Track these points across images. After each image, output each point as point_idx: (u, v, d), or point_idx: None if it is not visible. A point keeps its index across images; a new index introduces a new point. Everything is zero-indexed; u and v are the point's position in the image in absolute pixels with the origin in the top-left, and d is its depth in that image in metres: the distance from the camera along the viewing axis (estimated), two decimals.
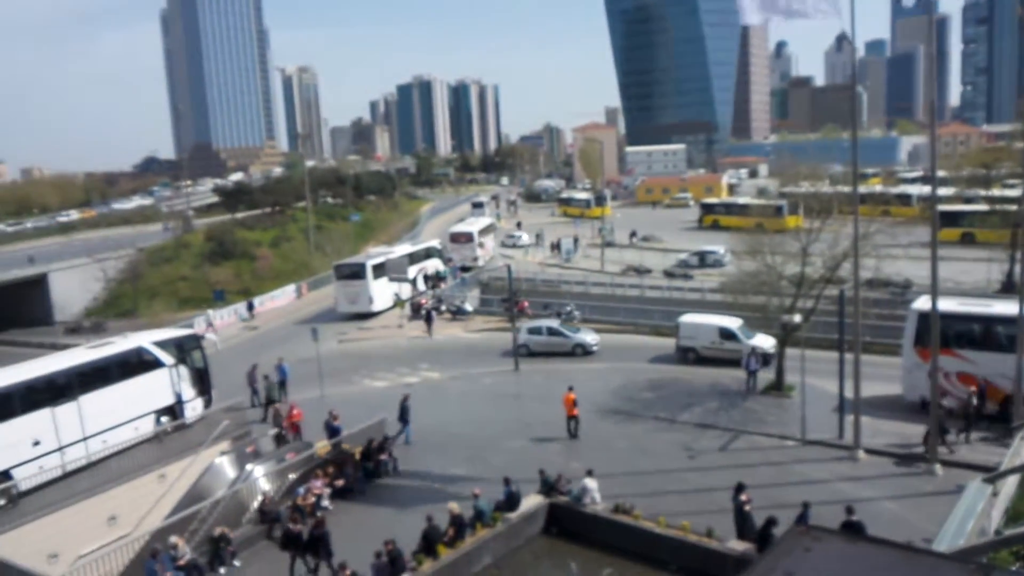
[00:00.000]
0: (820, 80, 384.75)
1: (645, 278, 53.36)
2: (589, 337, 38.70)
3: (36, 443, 24.71)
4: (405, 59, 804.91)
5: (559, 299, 46.69)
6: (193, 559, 18.98)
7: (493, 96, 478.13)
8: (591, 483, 20.81)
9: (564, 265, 65.02)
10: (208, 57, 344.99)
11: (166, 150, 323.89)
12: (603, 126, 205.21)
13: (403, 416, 27.38)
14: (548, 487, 21.32)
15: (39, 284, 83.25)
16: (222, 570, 19.52)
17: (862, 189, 31.40)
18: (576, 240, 73.17)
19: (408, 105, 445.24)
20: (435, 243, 63.05)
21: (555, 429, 27.53)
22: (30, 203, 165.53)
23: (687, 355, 34.96)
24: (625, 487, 21.93)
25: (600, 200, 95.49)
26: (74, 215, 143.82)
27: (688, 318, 35.87)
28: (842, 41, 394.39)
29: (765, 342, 33.06)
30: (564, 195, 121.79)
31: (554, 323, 39.74)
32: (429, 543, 18.69)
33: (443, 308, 49.13)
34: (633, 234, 76.07)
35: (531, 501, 21.17)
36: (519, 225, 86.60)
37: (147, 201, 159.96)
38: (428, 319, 46.05)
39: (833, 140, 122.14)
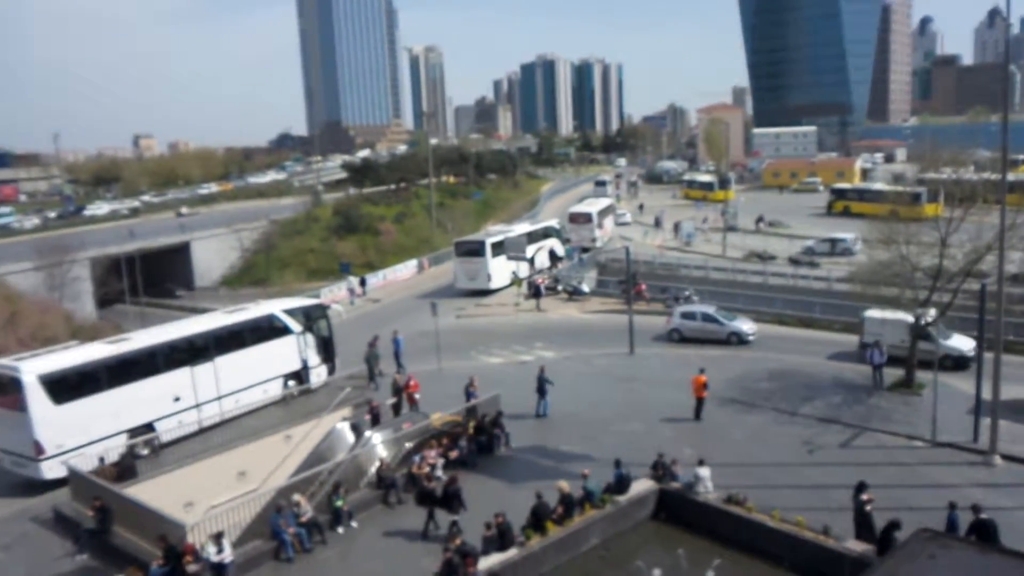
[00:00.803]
0: (968, 59, 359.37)
1: (768, 265, 51.68)
2: (746, 326, 37.01)
3: (176, 399, 26.54)
4: (529, 38, 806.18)
5: (678, 283, 45.90)
6: (314, 517, 19.93)
7: (616, 75, 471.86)
8: (704, 471, 20.48)
9: (684, 248, 63.83)
10: (340, 38, 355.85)
11: (299, 127, 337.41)
12: (729, 107, 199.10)
13: (541, 388, 27.64)
14: (660, 471, 21.14)
15: (183, 251, 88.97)
16: (340, 529, 20.38)
17: (1011, 176, 29.13)
18: (698, 223, 71.68)
19: (531, 84, 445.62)
20: (554, 223, 63.13)
21: (669, 414, 27.23)
22: (176, 175, 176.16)
23: (872, 354, 29.57)
24: (739, 478, 21.46)
25: (724, 183, 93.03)
26: (214, 187, 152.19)
27: (874, 313, 31.99)
28: (995, 16, 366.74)
29: (964, 344, 30.79)
30: (686, 177, 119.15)
31: (709, 309, 38.10)
32: (538, 519, 18.92)
33: (559, 288, 49.22)
34: (760, 219, 73.76)
35: (641, 485, 21.05)
36: (641, 208, 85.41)
37: (280, 175, 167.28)
38: (537, 293, 46.88)
39: (980, 124, 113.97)
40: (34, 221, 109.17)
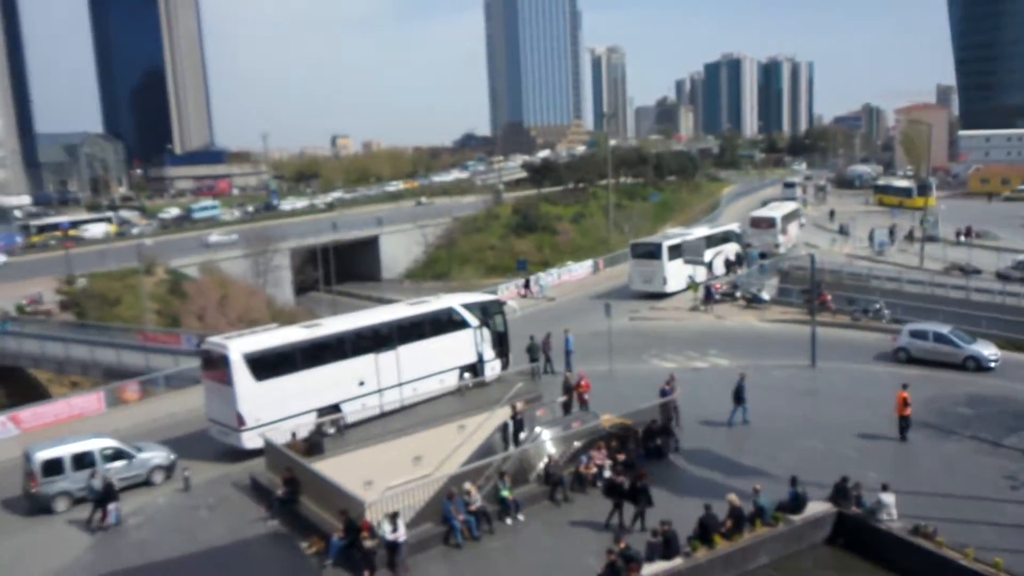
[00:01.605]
0: None
1: (972, 279, 47.46)
2: (987, 350, 32.66)
3: (361, 383, 28.14)
4: (714, 37, 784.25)
5: (867, 295, 43.17)
6: (483, 506, 20.52)
7: (807, 74, 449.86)
8: (888, 497, 19.19)
9: (875, 258, 59.90)
10: (524, 41, 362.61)
11: (483, 128, 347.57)
12: (932, 107, 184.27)
13: (738, 396, 27.00)
14: (840, 494, 20.01)
15: (372, 244, 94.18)
16: (508, 521, 20.84)
17: None
18: (892, 232, 67.04)
19: (715, 84, 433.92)
20: (734, 227, 61.20)
21: (852, 434, 25.68)
22: (368, 173, 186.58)
23: None
24: (928, 509, 19.89)
25: (924, 189, 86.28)
26: (400, 185, 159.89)
27: None
28: None
29: None
30: (881, 182, 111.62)
31: (943, 328, 33.97)
32: (705, 531, 18.47)
33: (738, 294, 47.68)
34: (967, 232, 67.81)
35: (818, 507, 20.03)
36: (832, 214, 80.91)
37: (463, 174, 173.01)
38: (708, 295, 45.80)
39: None
40: (235, 214, 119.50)
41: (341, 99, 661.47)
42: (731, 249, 56.69)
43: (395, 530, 18.66)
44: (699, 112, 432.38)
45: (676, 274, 50.36)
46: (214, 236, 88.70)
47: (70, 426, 31.43)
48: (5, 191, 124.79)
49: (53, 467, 23.48)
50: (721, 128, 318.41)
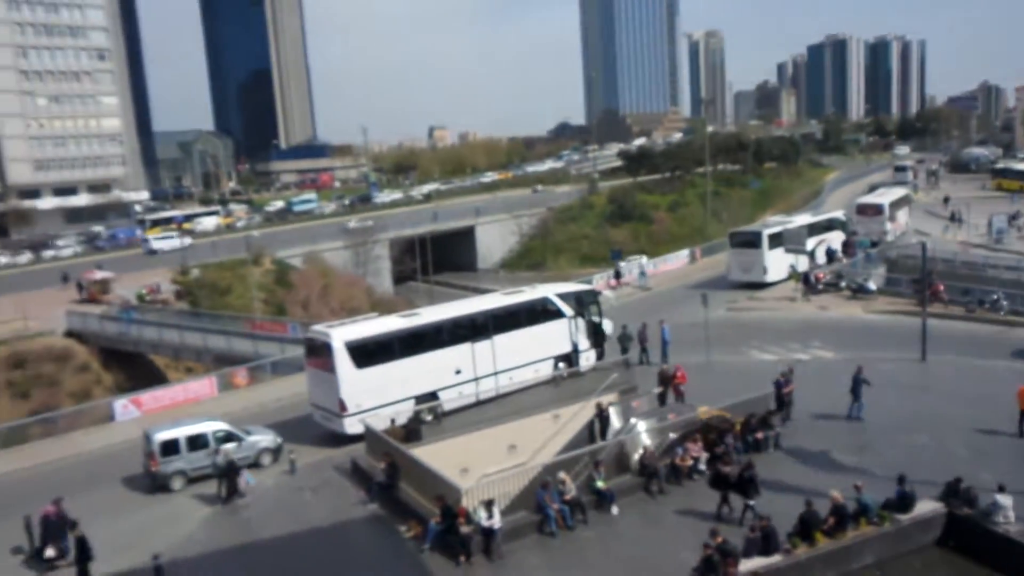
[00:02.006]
0: None
1: None
2: None
3: (458, 372, 28.61)
4: (818, 17, 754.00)
5: (983, 285, 40.89)
6: (577, 496, 20.57)
7: (918, 53, 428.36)
8: (1005, 499, 18.22)
9: (993, 247, 56.62)
10: (620, 28, 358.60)
11: (577, 117, 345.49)
12: None
13: (855, 390, 26.21)
14: (951, 494, 19.12)
15: (469, 234, 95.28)
16: (610, 510, 20.79)
17: None
18: (1014, 219, 63.23)
19: (818, 66, 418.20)
20: (839, 214, 58.97)
21: (964, 431, 24.43)
22: (464, 164, 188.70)
23: None
24: None
25: None
26: (494, 176, 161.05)
27: None
28: None
29: None
30: (1000, 165, 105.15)
31: None
32: (806, 528, 18.00)
33: (843, 284, 45.99)
34: None
35: (926, 506, 19.20)
36: (946, 200, 76.97)
37: (558, 164, 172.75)
38: (810, 285, 44.81)
39: None
40: (331, 207, 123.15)
41: (438, 91, 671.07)
42: (835, 237, 54.68)
43: (490, 517, 18.94)
44: (802, 96, 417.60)
45: (776, 263, 48.97)
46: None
47: (185, 409, 33.19)
48: (126, 187, 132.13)
49: (170, 448, 24.89)
50: (825, 112, 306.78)
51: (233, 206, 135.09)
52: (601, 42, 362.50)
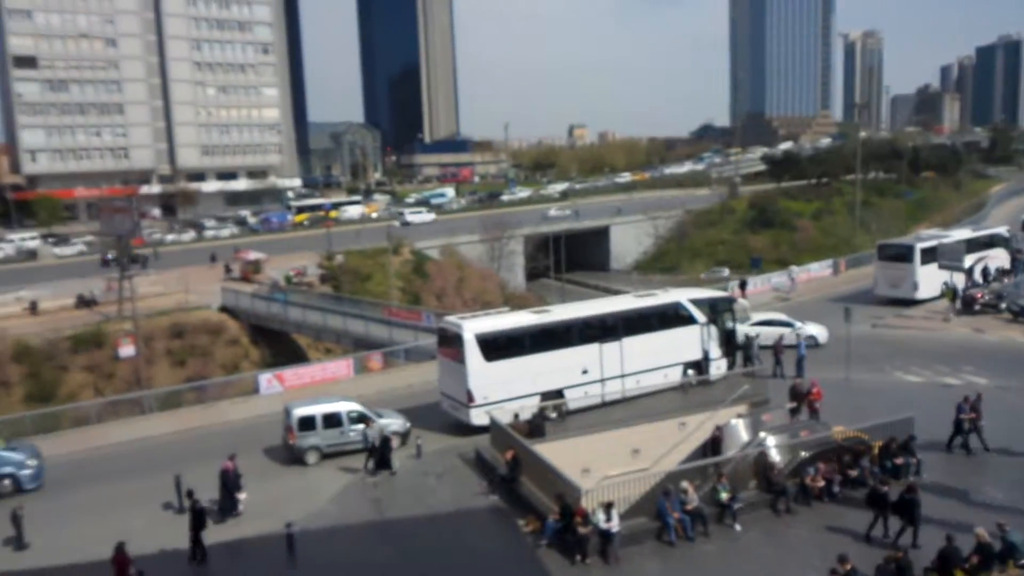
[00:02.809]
0: None
1: None
2: None
3: (584, 372, 28.61)
4: (989, 17, 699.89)
5: None
6: (699, 507, 20.15)
7: None
8: None
9: None
10: (771, 26, 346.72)
11: (721, 118, 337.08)
12: None
13: (957, 425, 24.51)
14: None
15: (603, 234, 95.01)
16: (732, 526, 20.29)
17: None
18: None
19: (988, 69, 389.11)
20: (1002, 231, 54.75)
21: None
22: (602, 163, 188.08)
23: None
24: None
25: None
26: (627, 177, 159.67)
27: None
28: None
29: None
30: None
31: None
32: (946, 564, 16.88)
33: (1003, 306, 42.72)
34: None
35: None
36: None
37: (699, 166, 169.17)
38: (966, 305, 42.39)
39: None
40: (461, 202, 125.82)
41: (580, 90, 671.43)
42: (997, 255, 50.81)
43: (609, 519, 18.87)
44: (967, 101, 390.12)
45: (929, 280, 46.02)
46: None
47: (323, 388, 34.89)
48: (281, 174, 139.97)
49: (307, 423, 26.23)
50: (993, 119, 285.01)
51: (377, 196, 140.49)
52: (750, 41, 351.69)
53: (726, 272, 57.02)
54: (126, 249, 50.91)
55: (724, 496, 20.53)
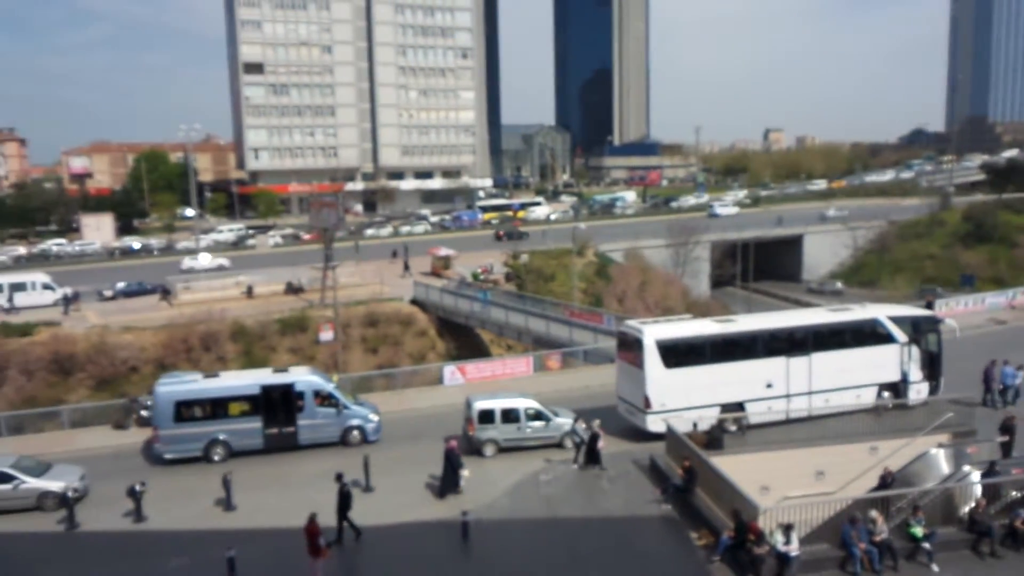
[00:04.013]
0: None
1: None
2: None
3: (768, 386, 27.55)
4: None
5: None
6: (888, 540, 18.83)
7: None
8: None
9: None
10: (998, 23, 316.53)
11: (935, 123, 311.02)
12: None
13: None
14: None
15: (795, 244, 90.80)
16: (928, 564, 18.84)
17: None
18: None
19: None
20: None
21: None
22: (799, 169, 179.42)
23: None
24: None
25: None
26: (822, 184, 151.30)
27: None
28: None
29: None
30: None
31: None
32: None
33: None
34: None
35: None
36: None
37: (906, 174, 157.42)
38: None
39: None
40: (638, 207, 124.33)
41: (777, 92, 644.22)
42: None
43: (787, 542, 18.07)
44: None
45: None
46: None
47: (502, 383, 35.82)
48: (473, 174, 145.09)
49: (487, 416, 27.09)
50: None
51: (564, 198, 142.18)
52: (973, 38, 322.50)
53: (937, 290, 52.54)
54: (331, 241, 54.74)
55: (918, 532, 19.06)
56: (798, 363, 27.81)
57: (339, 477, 21.67)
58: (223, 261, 73.72)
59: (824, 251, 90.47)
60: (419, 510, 22.92)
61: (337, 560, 19.75)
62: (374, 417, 29.23)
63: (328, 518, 20.44)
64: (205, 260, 72.96)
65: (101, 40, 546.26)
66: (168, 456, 27.54)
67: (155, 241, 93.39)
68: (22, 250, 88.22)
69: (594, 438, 25.42)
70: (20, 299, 55.59)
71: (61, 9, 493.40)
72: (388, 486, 24.48)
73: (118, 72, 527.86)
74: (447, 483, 23.84)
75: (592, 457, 25.37)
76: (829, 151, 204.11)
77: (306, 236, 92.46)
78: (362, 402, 30.36)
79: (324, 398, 28.64)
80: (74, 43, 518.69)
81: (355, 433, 28.70)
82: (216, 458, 27.59)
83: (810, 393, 27.85)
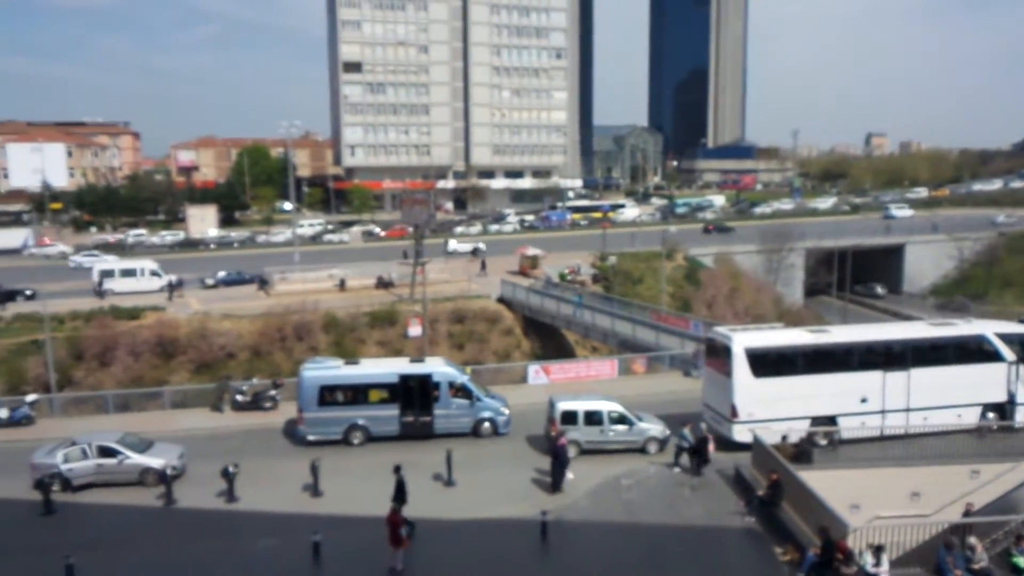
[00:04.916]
0: None
1: None
2: None
3: (863, 400, 26.61)
4: None
5: None
6: (988, 568, 17.94)
7: None
8: None
9: None
10: None
11: None
12: None
13: None
14: None
15: (896, 253, 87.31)
16: None
17: None
18: None
19: None
20: None
21: None
22: (902, 175, 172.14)
23: None
24: None
25: None
26: (921, 192, 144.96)
27: None
28: None
29: None
30: None
31: None
32: None
33: None
34: None
35: None
36: None
37: (1018, 184, 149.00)
38: None
39: None
40: (707, 216, 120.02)
41: (881, 95, 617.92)
42: None
43: (878, 564, 17.45)
44: None
45: None
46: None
47: (586, 384, 35.71)
48: (563, 174, 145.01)
49: (570, 418, 27.05)
50: None
51: (654, 200, 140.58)
52: None
53: None
54: (421, 237, 55.69)
55: (1021, 562, 18.09)
56: (895, 378, 26.74)
57: (397, 469, 22.17)
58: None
59: (927, 262, 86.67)
60: (498, 507, 23.07)
61: (415, 551, 20.08)
62: (505, 410, 29.86)
63: (412, 509, 20.80)
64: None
65: (210, 39, 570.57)
66: (311, 438, 28.64)
67: (235, 234, 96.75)
68: (110, 239, 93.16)
69: (704, 442, 25.11)
70: (129, 284, 58.72)
71: (176, 10, 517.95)
72: (468, 481, 24.74)
73: (225, 70, 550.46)
74: (558, 477, 24.08)
75: (701, 462, 25.10)
76: (935, 158, 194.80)
77: (382, 233, 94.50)
78: (493, 395, 30.95)
79: (458, 389, 29.38)
80: (185, 42, 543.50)
81: (486, 425, 29.41)
82: (355, 442, 28.67)
83: (907, 410, 26.75)
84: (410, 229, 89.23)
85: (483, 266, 66.69)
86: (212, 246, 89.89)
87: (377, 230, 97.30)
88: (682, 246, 72.23)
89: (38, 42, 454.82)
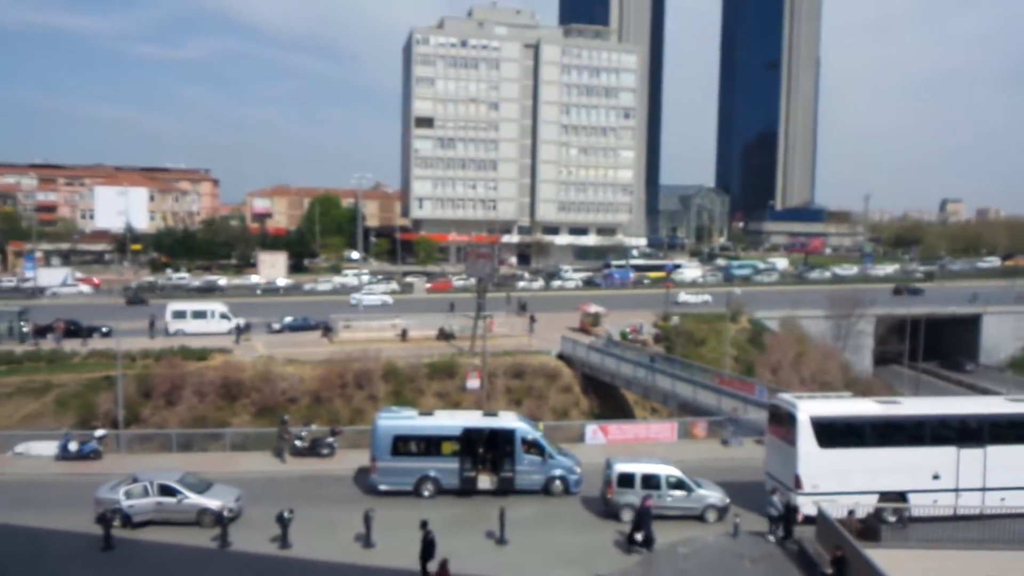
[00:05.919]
0: None
1: None
2: None
3: (935, 477, 25.43)
4: None
5: None
6: None
7: None
8: None
9: None
10: None
11: None
12: None
13: None
14: None
15: (972, 323, 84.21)
16: None
17: None
18: None
19: None
20: None
21: None
22: (979, 242, 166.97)
23: None
24: None
25: None
26: (993, 261, 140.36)
27: None
28: None
29: None
30: None
31: None
32: None
33: None
34: None
35: None
36: None
37: None
38: None
39: None
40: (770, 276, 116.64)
41: (958, 160, 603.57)
42: None
43: None
44: None
45: None
46: None
47: (644, 447, 34.99)
48: (628, 232, 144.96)
49: (626, 480, 26.48)
50: None
51: (719, 261, 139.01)
52: None
53: None
54: (484, 290, 56.00)
55: None
56: (971, 455, 25.52)
57: (423, 524, 21.99)
58: (387, 299, 79.14)
59: (1005, 334, 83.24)
60: (547, 570, 22.58)
61: None
62: (577, 469, 29.46)
63: (455, 568, 20.48)
64: (372, 298, 79.51)
65: (292, 93, 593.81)
66: (382, 487, 28.74)
67: (285, 281, 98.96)
68: (196, 282, 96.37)
69: (792, 511, 24.43)
70: (199, 325, 60.40)
71: (264, 67, 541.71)
72: (520, 541, 24.33)
73: (303, 122, 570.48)
74: (647, 537, 23.76)
75: (789, 531, 24.37)
76: (1015, 225, 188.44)
77: (428, 285, 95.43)
78: (565, 452, 30.62)
79: (531, 445, 29.19)
80: (268, 95, 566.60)
81: (557, 483, 29.07)
82: (426, 494, 28.64)
83: (984, 489, 25.44)
84: (458, 282, 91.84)
85: (532, 320, 64.74)
86: (280, 291, 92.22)
87: (426, 284, 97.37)
88: (747, 308, 70.98)
89: (130, 92, 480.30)
